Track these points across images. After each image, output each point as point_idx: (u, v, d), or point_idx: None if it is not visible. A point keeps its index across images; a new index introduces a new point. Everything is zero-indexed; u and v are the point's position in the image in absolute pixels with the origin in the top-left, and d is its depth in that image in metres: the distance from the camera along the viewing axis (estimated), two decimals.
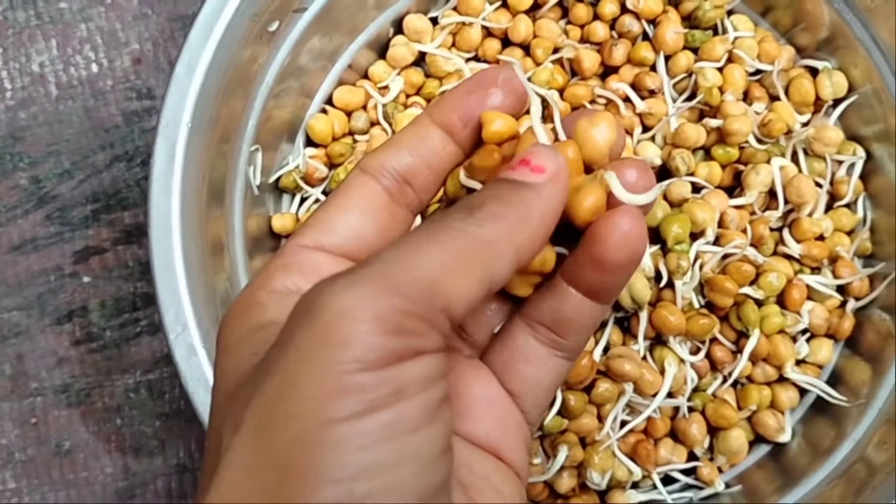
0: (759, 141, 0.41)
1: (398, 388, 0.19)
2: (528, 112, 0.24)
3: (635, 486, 0.41)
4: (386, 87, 0.44)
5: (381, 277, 0.20)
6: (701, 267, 0.39)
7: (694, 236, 0.39)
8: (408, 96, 0.45)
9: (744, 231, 0.40)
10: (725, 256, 0.39)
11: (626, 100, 0.42)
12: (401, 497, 0.19)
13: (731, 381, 0.40)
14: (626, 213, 0.22)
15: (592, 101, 0.42)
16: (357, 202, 0.24)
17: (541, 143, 0.22)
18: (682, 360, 0.39)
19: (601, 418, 0.39)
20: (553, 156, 0.22)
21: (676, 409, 0.40)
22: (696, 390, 0.40)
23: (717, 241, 0.40)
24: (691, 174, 0.41)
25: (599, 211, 0.22)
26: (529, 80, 0.42)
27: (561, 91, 0.42)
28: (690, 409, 0.40)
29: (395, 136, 0.25)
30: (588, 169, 0.23)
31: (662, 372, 0.39)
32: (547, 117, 0.25)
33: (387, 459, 0.19)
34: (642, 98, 0.42)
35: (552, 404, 0.37)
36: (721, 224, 0.40)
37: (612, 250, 0.22)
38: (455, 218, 0.21)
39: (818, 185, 0.41)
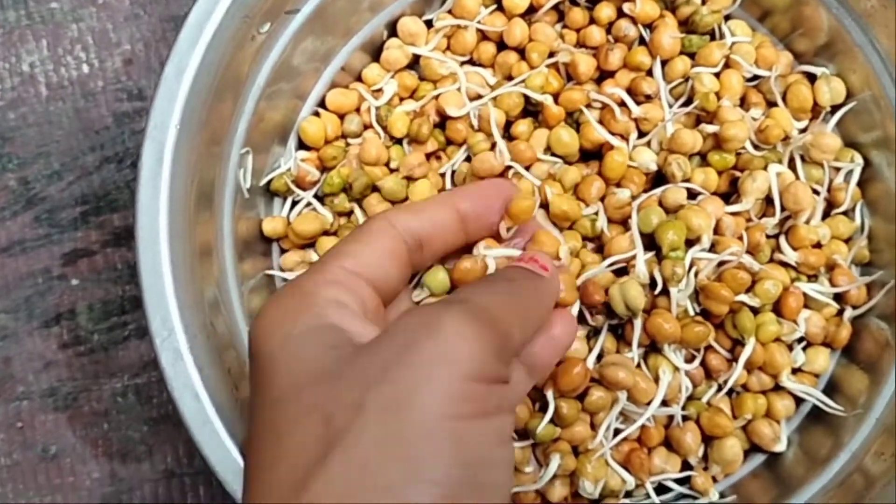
0: (756, 147, 0.41)
1: (499, 402, 0.24)
2: None
3: (628, 495, 0.40)
4: (379, 90, 0.44)
5: (485, 315, 0.25)
6: (696, 274, 0.38)
7: (689, 243, 0.38)
8: (401, 99, 0.44)
9: (740, 238, 0.40)
10: (721, 263, 0.39)
11: (622, 104, 0.41)
12: (501, 497, 0.24)
13: (726, 389, 0.39)
14: (567, 312, 0.32)
15: (588, 105, 0.42)
16: (385, 247, 0.28)
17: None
18: (676, 368, 0.39)
19: (594, 427, 0.39)
20: (551, 261, 0.31)
21: (671, 417, 0.40)
22: (690, 399, 0.40)
23: (712, 248, 0.39)
24: (687, 180, 0.40)
25: None
26: (523, 82, 0.42)
27: (556, 95, 0.42)
28: (685, 418, 0.40)
29: (422, 204, 0.30)
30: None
31: (656, 380, 0.38)
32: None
33: (496, 458, 0.24)
34: (638, 103, 0.42)
35: (545, 412, 0.36)
36: (717, 231, 0.39)
37: (562, 333, 0.30)
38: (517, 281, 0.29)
39: (815, 192, 0.41)
